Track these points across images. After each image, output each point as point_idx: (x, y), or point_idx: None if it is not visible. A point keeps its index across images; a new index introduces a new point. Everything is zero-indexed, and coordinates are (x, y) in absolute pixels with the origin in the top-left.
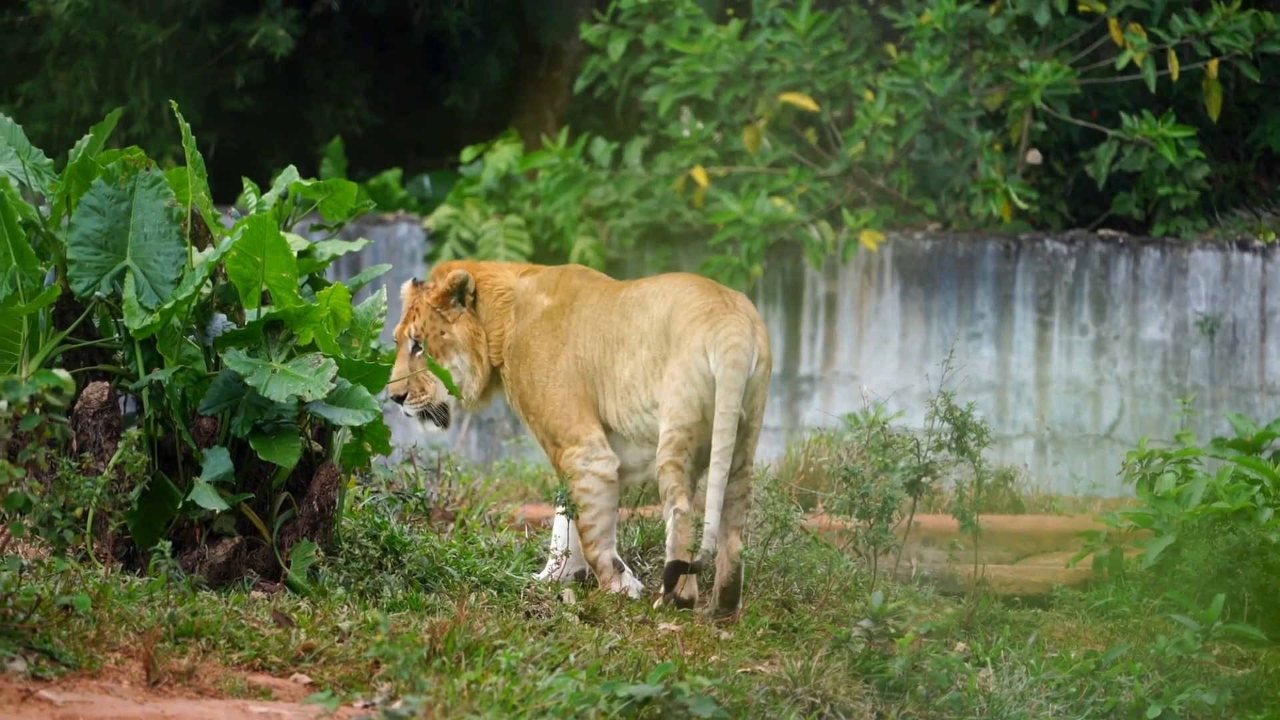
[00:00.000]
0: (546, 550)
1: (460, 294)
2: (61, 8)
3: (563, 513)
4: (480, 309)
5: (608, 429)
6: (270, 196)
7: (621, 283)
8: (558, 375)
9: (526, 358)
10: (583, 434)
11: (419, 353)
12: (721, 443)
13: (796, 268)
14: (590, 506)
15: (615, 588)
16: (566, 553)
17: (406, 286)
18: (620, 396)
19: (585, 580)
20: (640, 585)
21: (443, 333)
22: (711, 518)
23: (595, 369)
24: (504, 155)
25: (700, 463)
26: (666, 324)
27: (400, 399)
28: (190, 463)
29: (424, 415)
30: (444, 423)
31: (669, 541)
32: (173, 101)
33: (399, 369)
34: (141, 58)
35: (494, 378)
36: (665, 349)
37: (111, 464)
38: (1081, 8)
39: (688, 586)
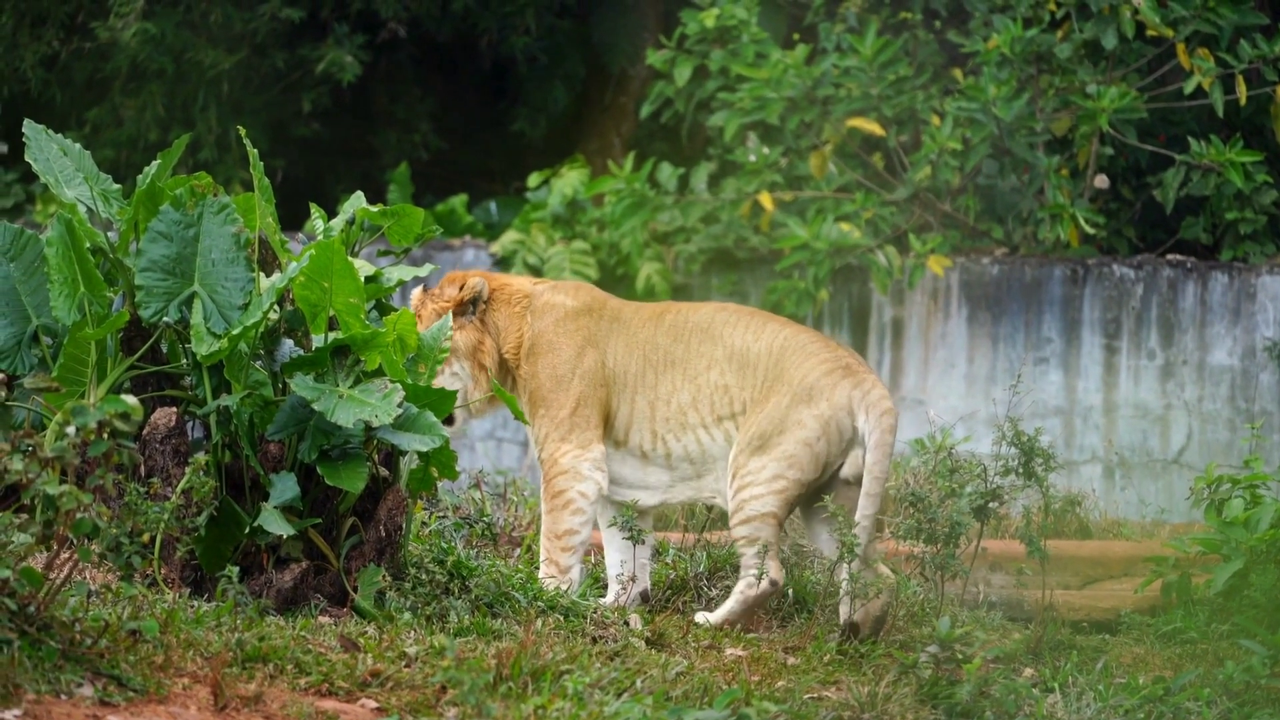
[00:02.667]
0: (616, 576)
1: (475, 303)
2: (129, 34)
3: (627, 537)
4: (496, 316)
5: (616, 444)
6: (337, 222)
7: (650, 304)
8: (583, 372)
9: (549, 353)
10: (595, 442)
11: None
12: (872, 507)
13: (863, 292)
14: (582, 512)
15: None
16: (633, 577)
17: (417, 292)
18: (664, 417)
19: (650, 601)
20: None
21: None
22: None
23: (624, 383)
24: (570, 180)
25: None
26: (778, 362)
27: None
28: (257, 488)
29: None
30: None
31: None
32: (240, 127)
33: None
34: (209, 84)
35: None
36: (770, 387)
37: (179, 489)
38: (1149, 32)
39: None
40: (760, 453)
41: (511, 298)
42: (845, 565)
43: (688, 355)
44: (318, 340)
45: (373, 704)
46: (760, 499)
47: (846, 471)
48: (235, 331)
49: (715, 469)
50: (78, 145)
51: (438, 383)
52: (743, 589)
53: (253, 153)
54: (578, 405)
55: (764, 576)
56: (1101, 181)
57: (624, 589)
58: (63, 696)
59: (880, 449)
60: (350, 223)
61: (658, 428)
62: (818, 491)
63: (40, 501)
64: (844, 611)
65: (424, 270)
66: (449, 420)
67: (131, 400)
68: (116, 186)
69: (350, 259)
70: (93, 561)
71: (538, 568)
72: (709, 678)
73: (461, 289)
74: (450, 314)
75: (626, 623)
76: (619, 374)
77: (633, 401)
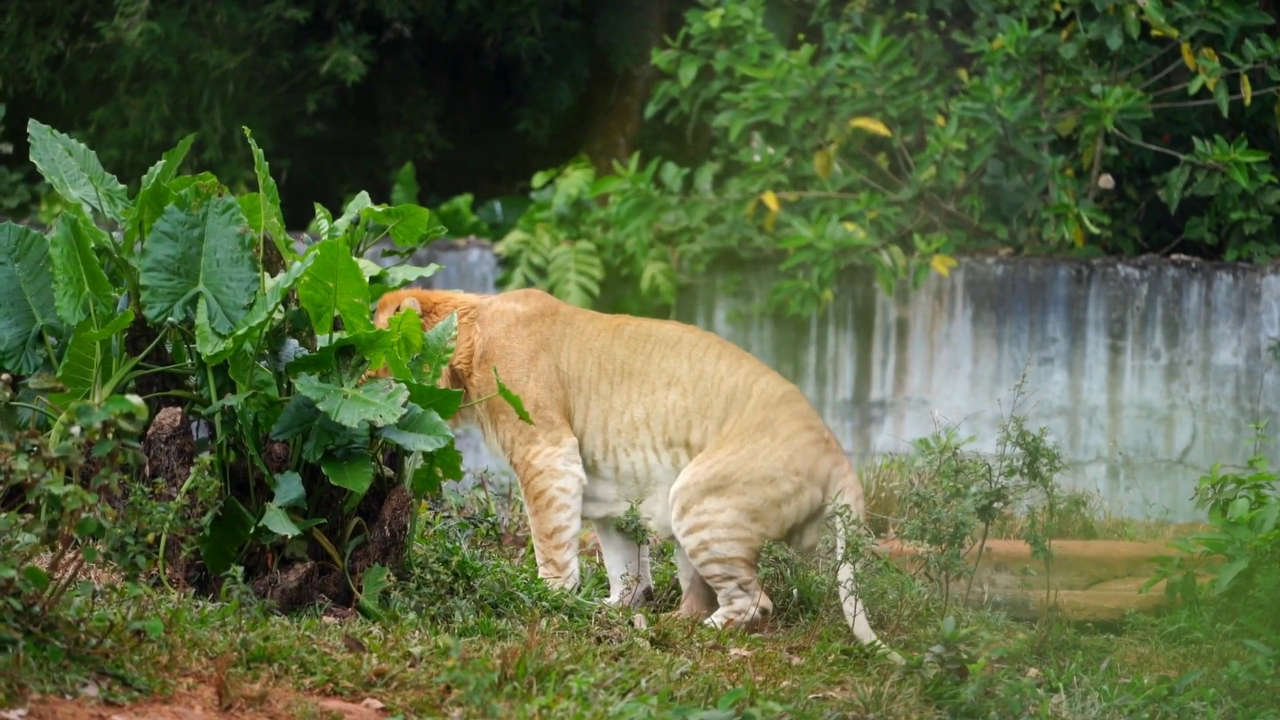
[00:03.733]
0: (621, 577)
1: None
2: (134, 35)
3: (630, 536)
4: None
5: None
6: (342, 222)
7: (607, 315)
8: (538, 375)
9: (502, 359)
10: (565, 436)
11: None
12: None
13: (867, 292)
14: (567, 507)
15: (558, 585)
16: (637, 577)
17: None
18: (615, 429)
19: (654, 600)
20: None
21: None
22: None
23: (579, 388)
24: (575, 180)
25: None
26: (761, 408)
27: None
28: (262, 488)
29: None
30: None
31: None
32: (245, 127)
33: None
34: (214, 84)
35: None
36: (744, 430)
37: (184, 489)
38: (1154, 32)
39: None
40: (719, 494)
41: (456, 309)
42: (851, 566)
43: (646, 369)
44: (322, 340)
45: (377, 704)
46: (724, 543)
47: (807, 543)
48: (240, 331)
49: (656, 492)
50: (83, 145)
51: None
52: (728, 613)
53: (257, 153)
54: (536, 407)
55: (753, 607)
56: (1106, 181)
57: (628, 589)
58: (68, 696)
59: (837, 528)
60: (355, 223)
61: (609, 438)
62: None
63: (45, 501)
64: (848, 610)
65: (429, 270)
66: None
67: (136, 400)
68: (121, 186)
69: (355, 259)
70: (97, 561)
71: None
72: (714, 678)
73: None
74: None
75: (631, 623)
76: (573, 378)
77: (587, 408)
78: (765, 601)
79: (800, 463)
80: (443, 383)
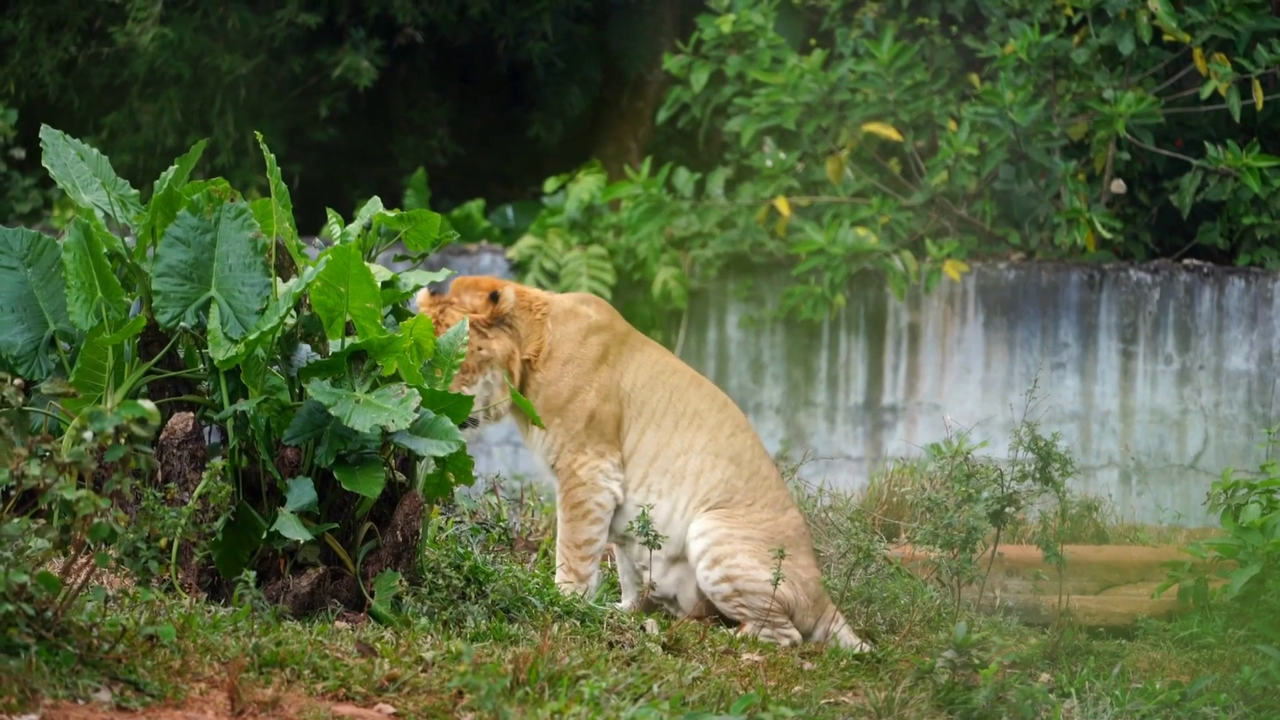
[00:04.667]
0: (634, 583)
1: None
2: (146, 39)
3: (644, 543)
4: (518, 323)
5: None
6: (354, 227)
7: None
8: (599, 385)
9: (568, 363)
10: (612, 452)
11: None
12: None
13: (879, 297)
14: (600, 521)
15: (571, 592)
16: (652, 585)
17: (424, 295)
18: (662, 469)
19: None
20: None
21: (480, 348)
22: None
23: (639, 411)
24: (587, 185)
25: None
26: (778, 511)
27: None
28: (274, 493)
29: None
30: (473, 426)
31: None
32: (258, 133)
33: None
34: (226, 89)
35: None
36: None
37: (196, 494)
38: (1166, 37)
39: None
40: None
41: (532, 304)
42: (862, 570)
43: (717, 432)
44: (334, 345)
45: (389, 709)
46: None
47: None
48: (252, 336)
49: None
50: (95, 150)
51: (472, 390)
52: (757, 635)
53: (270, 158)
54: (592, 417)
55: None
56: (1118, 186)
57: (640, 594)
58: (80, 701)
59: None
60: (367, 228)
61: (650, 474)
62: None
63: (57, 506)
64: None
65: (440, 275)
66: (472, 423)
67: (148, 405)
68: (134, 192)
69: (367, 264)
70: (110, 566)
71: (554, 573)
72: (725, 683)
73: (498, 300)
74: (423, 301)
75: (643, 628)
76: (636, 400)
77: (641, 435)
78: (797, 635)
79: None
80: (516, 378)
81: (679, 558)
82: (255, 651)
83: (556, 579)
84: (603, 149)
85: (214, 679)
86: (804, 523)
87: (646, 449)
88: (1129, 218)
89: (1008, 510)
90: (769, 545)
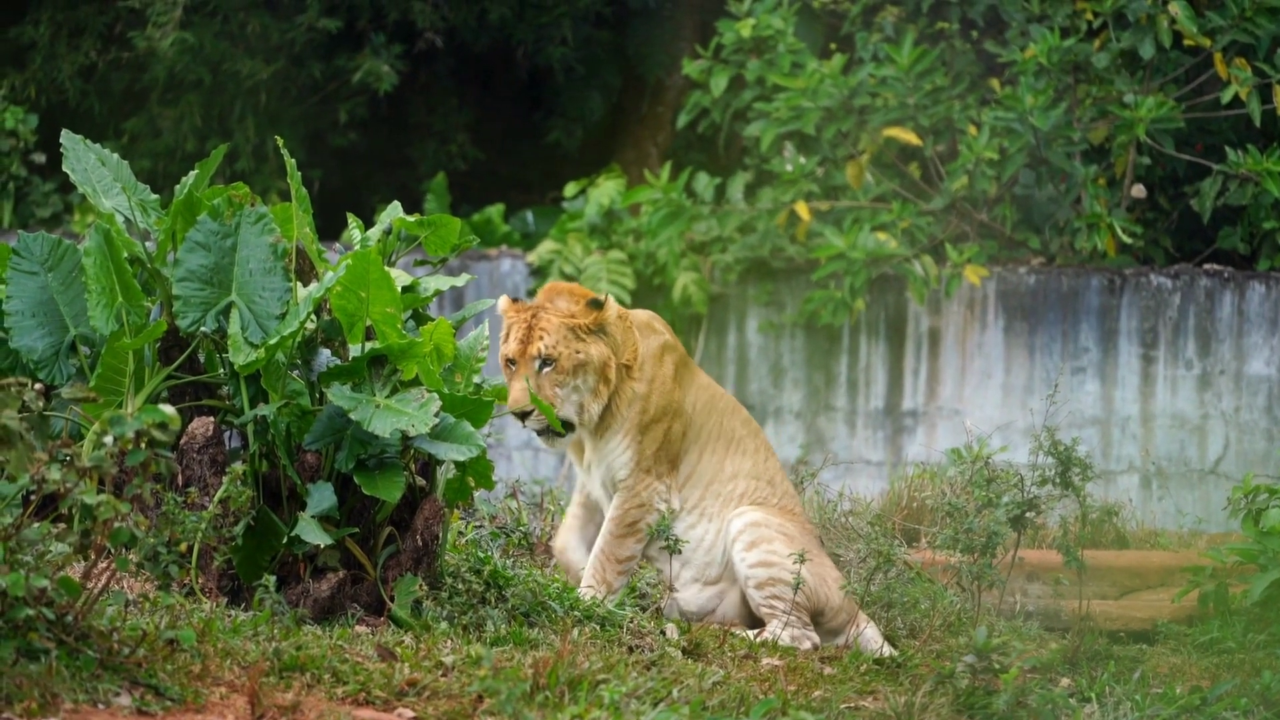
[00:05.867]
0: (651, 585)
1: (600, 321)
2: (166, 44)
3: (664, 547)
4: (611, 330)
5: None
6: (374, 232)
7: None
8: (675, 406)
9: (654, 380)
10: (669, 474)
11: (546, 370)
12: None
13: (899, 302)
14: (644, 540)
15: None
16: (671, 587)
17: (504, 302)
18: (716, 493)
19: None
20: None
21: (578, 352)
22: None
23: (696, 435)
24: (607, 190)
25: None
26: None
27: (525, 415)
28: (295, 497)
29: (545, 431)
30: (566, 432)
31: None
32: (278, 138)
33: (521, 386)
34: (246, 94)
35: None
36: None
37: (216, 499)
38: (1186, 42)
39: None
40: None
41: (621, 313)
42: (882, 575)
43: (756, 456)
44: (355, 350)
45: (409, 713)
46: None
47: None
48: (272, 341)
49: (692, 559)
50: (115, 155)
51: (563, 393)
52: (779, 635)
53: (290, 163)
54: (666, 438)
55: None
56: (1139, 191)
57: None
58: (100, 706)
59: None
60: (387, 232)
61: (706, 498)
62: None
63: (78, 511)
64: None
65: (461, 280)
66: (569, 428)
67: (169, 410)
68: (154, 196)
69: (387, 269)
70: (130, 571)
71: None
72: (745, 687)
73: (601, 306)
74: (504, 308)
75: (663, 632)
76: (695, 422)
77: (700, 457)
78: (818, 637)
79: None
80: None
81: (719, 579)
82: (275, 656)
83: (584, 584)
84: (622, 154)
85: (234, 683)
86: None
87: (704, 472)
88: (1149, 222)
89: (1028, 515)
90: (803, 544)
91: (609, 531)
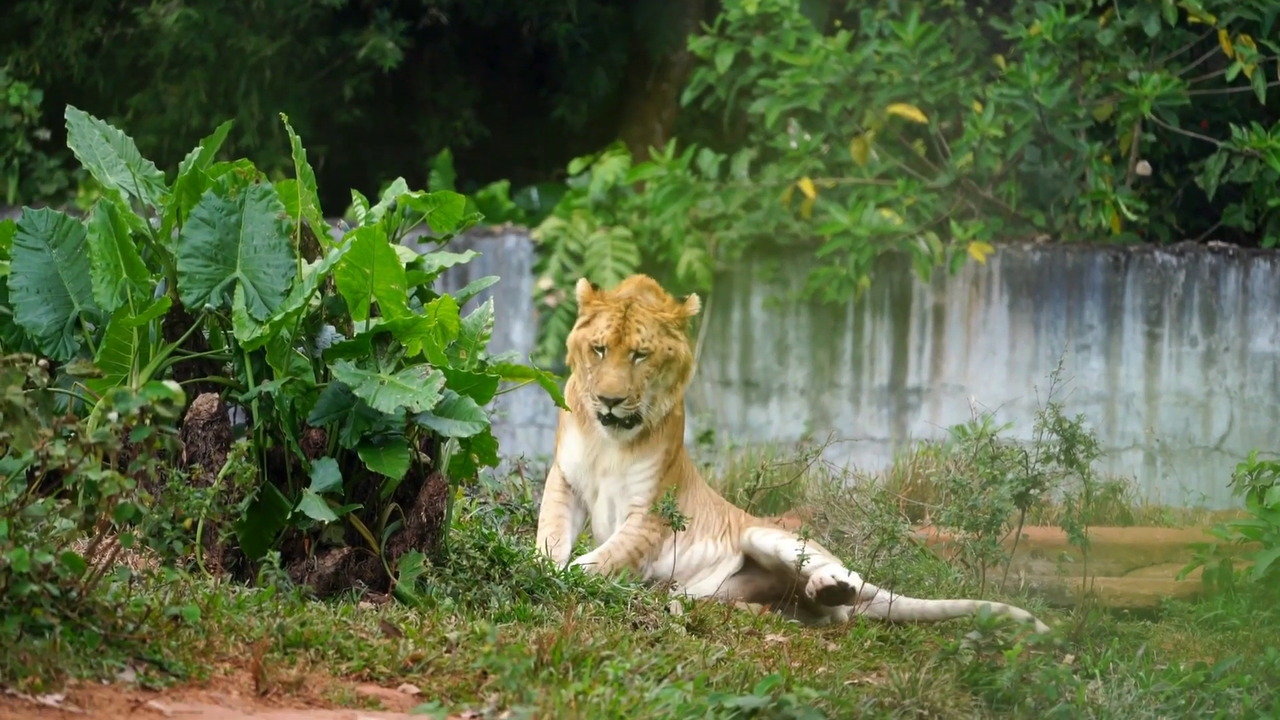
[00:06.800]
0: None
1: (687, 318)
2: (171, 20)
3: (667, 524)
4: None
5: None
6: (379, 209)
7: None
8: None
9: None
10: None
11: (639, 360)
12: None
13: (904, 279)
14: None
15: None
16: (674, 568)
17: (584, 287)
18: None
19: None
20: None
21: (670, 349)
22: None
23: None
24: (611, 167)
25: None
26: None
27: (618, 401)
28: (299, 474)
29: (628, 421)
30: (634, 426)
31: None
32: (283, 114)
33: (620, 374)
34: (251, 70)
35: None
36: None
37: (221, 475)
38: (1191, 19)
39: None
40: None
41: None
42: (886, 551)
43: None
44: (359, 327)
45: (414, 689)
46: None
47: None
48: (277, 318)
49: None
50: (120, 131)
51: (639, 384)
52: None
53: (295, 139)
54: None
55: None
56: (1143, 168)
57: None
58: (104, 681)
59: None
60: (392, 209)
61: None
62: None
63: (82, 487)
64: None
65: (465, 257)
66: (635, 419)
67: (173, 386)
68: (159, 173)
69: (392, 245)
70: (135, 547)
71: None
72: (749, 664)
73: (685, 301)
74: (584, 292)
75: (667, 608)
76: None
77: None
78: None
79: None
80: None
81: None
82: (280, 632)
83: (588, 557)
84: (627, 130)
85: (238, 659)
86: None
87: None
88: (1154, 199)
89: (1032, 492)
90: None
91: (625, 536)
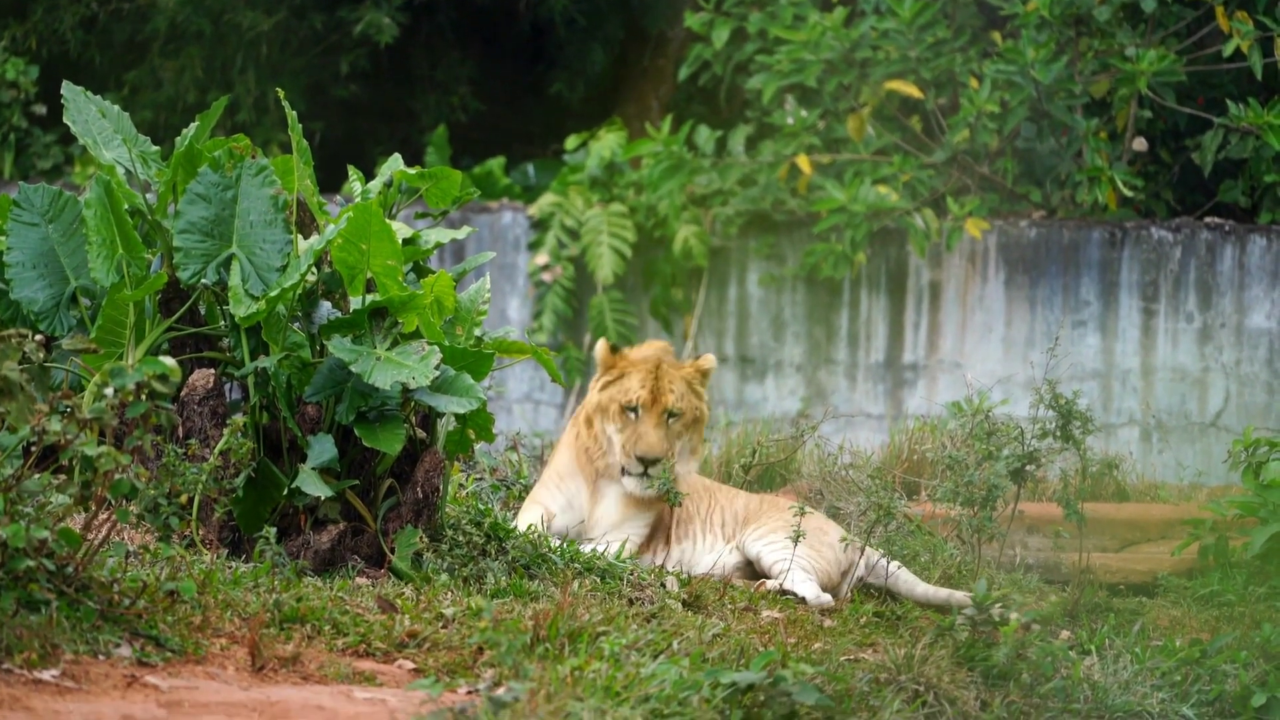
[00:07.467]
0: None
1: (707, 376)
2: None
3: (662, 498)
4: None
5: None
6: (375, 184)
7: None
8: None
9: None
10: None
11: (672, 421)
12: None
13: (900, 255)
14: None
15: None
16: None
17: (603, 349)
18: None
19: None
20: None
21: (697, 409)
22: None
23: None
24: (608, 143)
25: None
26: None
27: (655, 462)
28: (295, 449)
29: (644, 476)
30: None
31: None
32: (279, 89)
33: (659, 434)
34: (247, 46)
35: None
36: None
37: (217, 451)
38: None
39: None
40: None
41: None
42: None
43: None
44: (355, 302)
45: (410, 665)
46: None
47: None
48: (273, 293)
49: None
50: (116, 107)
51: (669, 444)
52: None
53: (291, 115)
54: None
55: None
56: (1140, 144)
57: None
58: (100, 657)
59: None
60: (388, 185)
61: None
62: None
63: (78, 462)
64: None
65: (461, 233)
66: (667, 479)
67: (169, 362)
68: (155, 148)
69: (388, 221)
70: (131, 522)
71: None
72: (745, 639)
73: (701, 358)
74: (602, 354)
75: (663, 584)
76: None
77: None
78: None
79: None
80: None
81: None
82: (276, 607)
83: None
84: (624, 106)
85: (235, 635)
86: None
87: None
88: (1150, 176)
89: (1028, 468)
90: None
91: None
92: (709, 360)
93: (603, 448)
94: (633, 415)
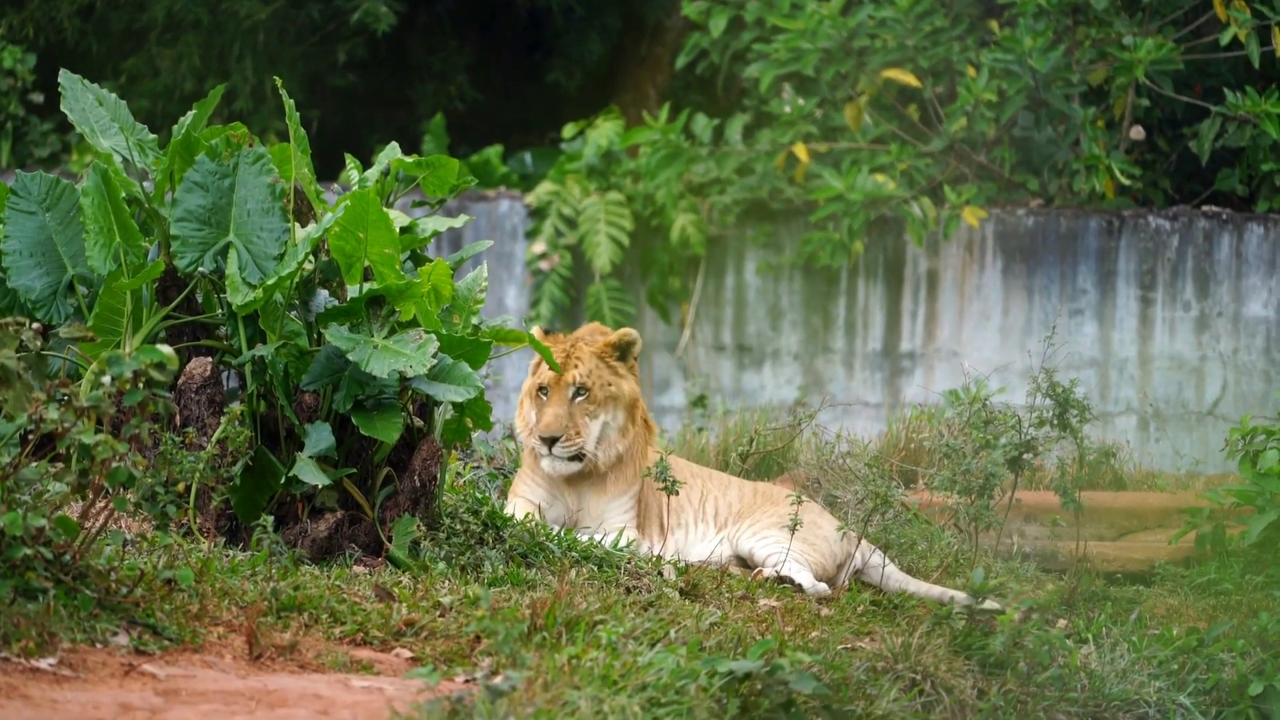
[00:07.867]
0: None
1: (626, 351)
2: None
3: (661, 488)
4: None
5: None
6: (372, 173)
7: None
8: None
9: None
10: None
11: (579, 399)
12: None
13: (898, 244)
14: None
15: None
16: (665, 529)
17: (536, 332)
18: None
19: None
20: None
21: (610, 384)
22: None
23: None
24: (605, 132)
25: None
26: None
27: (554, 440)
28: (293, 438)
29: (572, 458)
30: (580, 461)
31: None
32: (276, 78)
33: (557, 412)
34: (244, 34)
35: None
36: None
37: (214, 439)
38: None
39: None
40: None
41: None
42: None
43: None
44: (353, 291)
45: (407, 653)
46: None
47: None
48: (270, 282)
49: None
50: (114, 95)
51: (588, 423)
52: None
53: (288, 103)
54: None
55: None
56: (1137, 133)
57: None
58: (98, 645)
59: None
60: (385, 173)
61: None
62: None
63: (76, 451)
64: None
65: (459, 221)
66: (578, 459)
67: (167, 350)
68: (152, 137)
69: (385, 209)
70: (128, 511)
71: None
72: (743, 628)
73: (619, 331)
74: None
75: (660, 573)
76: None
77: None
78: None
79: None
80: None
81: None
82: (273, 596)
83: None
84: (621, 95)
85: (232, 623)
86: None
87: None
88: (1148, 164)
89: (1025, 456)
90: None
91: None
92: (627, 333)
93: (529, 431)
94: (544, 396)
